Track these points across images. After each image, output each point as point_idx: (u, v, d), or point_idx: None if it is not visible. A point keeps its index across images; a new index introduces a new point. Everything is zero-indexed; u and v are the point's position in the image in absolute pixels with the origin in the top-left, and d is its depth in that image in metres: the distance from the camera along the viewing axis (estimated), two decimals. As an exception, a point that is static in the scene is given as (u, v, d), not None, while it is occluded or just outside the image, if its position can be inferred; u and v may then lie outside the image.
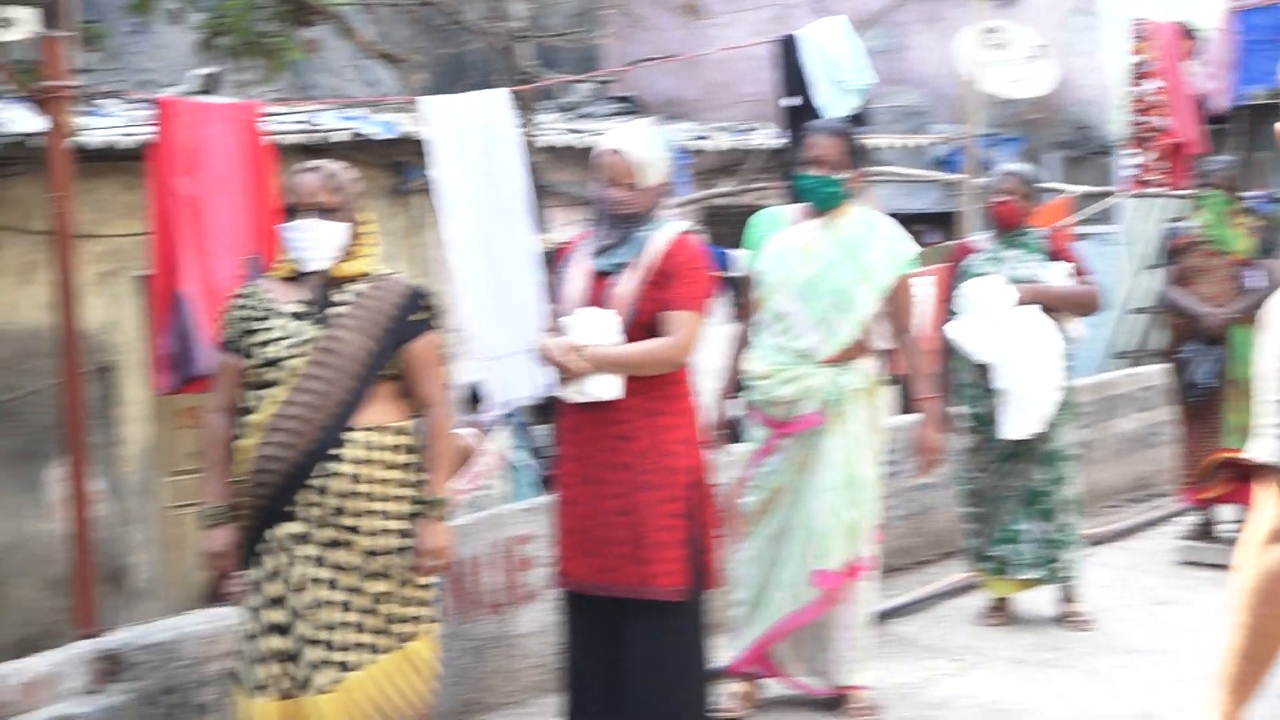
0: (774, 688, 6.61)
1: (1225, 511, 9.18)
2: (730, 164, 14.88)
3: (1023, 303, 7.55)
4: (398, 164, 12.29)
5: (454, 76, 13.73)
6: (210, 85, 11.73)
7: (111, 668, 5.57)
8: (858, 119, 9.70)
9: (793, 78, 9.91)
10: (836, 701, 6.50)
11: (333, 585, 5.02)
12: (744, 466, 6.48)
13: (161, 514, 11.38)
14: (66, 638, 6.98)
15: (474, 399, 9.89)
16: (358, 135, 11.93)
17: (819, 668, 6.52)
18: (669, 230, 5.70)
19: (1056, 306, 7.61)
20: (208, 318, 7.17)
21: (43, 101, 6.63)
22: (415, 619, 5.17)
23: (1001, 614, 7.91)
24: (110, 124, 10.80)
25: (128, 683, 5.56)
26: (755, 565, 6.44)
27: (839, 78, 9.82)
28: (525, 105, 10.17)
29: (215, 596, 6.70)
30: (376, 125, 12.18)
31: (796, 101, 9.84)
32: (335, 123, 11.99)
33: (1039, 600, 8.00)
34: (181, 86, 11.62)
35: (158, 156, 7.31)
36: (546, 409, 9.50)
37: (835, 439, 6.32)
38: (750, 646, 6.46)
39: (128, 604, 10.83)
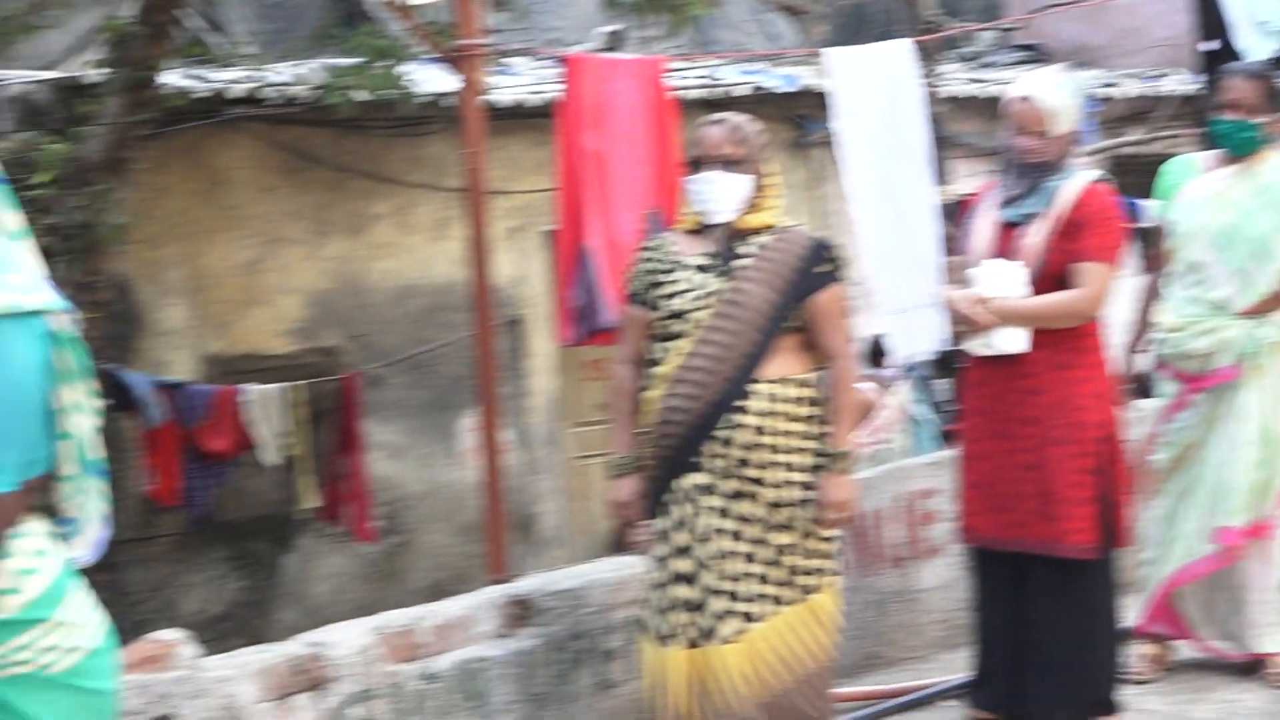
0: (1185, 650, 6.41)
1: None
2: (1139, 111, 14.46)
3: None
4: (799, 117, 12.28)
5: (855, 28, 13.63)
6: (614, 42, 11.89)
7: (522, 613, 5.70)
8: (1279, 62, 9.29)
9: (1211, 20, 9.55)
10: (1252, 667, 6.26)
11: (737, 536, 5.05)
12: (1155, 422, 6.29)
13: (567, 464, 11.62)
14: (477, 583, 7.19)
15: (876, 353, 9.83)
16: (759, 89, 11.96)
17: (1233, 631, 6.29)
18: (1080, 179, 5.55)
19: None
20: (611, 271, 7.27)
21: (456, 61, 6.81)
22: (818, 571, 5.16)
23: None
24: (518, 82, 11.04)
25: (537, 628, 5.69)
26: (1163, 523, 6.24)
27: (1261, 19, 9.42)
28: (928, 55, 10.04)
29: (619, 545, 6.81)
30: (777, 78, 12.18)
31: (1215, 45, 9.48)
32: (736, 77, 12.04)
33: None
34: (587, 44, 11.80)
35: (565, 113, 7.44)
36: (947, 362, 9.39)
37: (1251, 394, 6.07)
38: (1150, 603, 6.27)
39: (534, 551, 11.11)
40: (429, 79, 9.91)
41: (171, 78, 9.34)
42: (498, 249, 9.23)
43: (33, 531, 2.77)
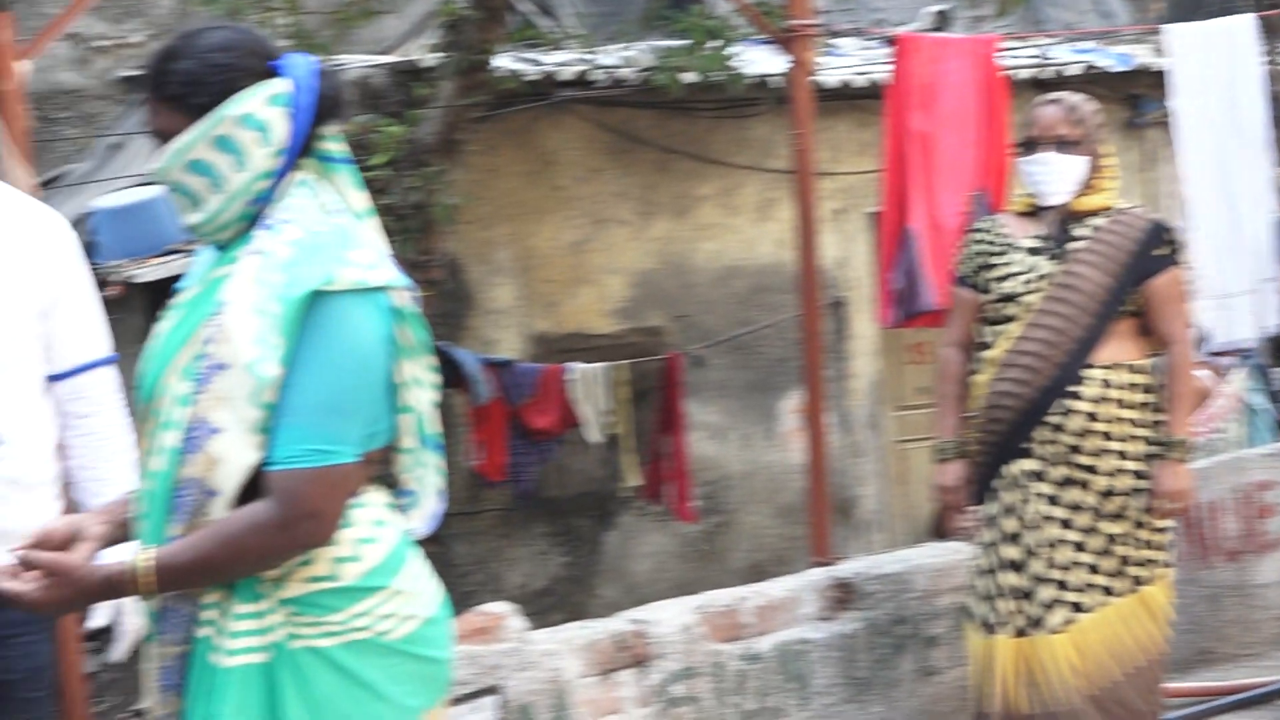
0: None
1: None
2: None
3: None
4: (1132, 97, 11.97)
5: (1192, 4, 13.23)
6: (941, 22, 11.75)
7: (844, 596, 5.68)
8: None
9: None
10: None
11: (1066, 524, 4.95)
12: None
13: (888, 447, 11.54)
14: (796, 565, 7.18)
15: (1204, 339, 9.57)
16: (1091, 68, 11.69)
17: None
18: None
19: None
20: (933, 254, 7.20)
21: (785, 41, 6.79)
22: (1151, 563, 5.03)
23: None
24: (844, 63, 10.98)
25: (859, 612, 5.66)
26: None
27: None
28: (1271, 32, 9.68)
29: (939, 531, 6.74)
30: (1110, 57, 11.89)
31: None
32: (1069, 56, 11.78)
33: None
34: (914, 24, 11.68)
35: (894, 93, 7.37)
36: (1286, 350, 9.08)
37: None
38: None
39: (854, 534, 11.05)
40: (756, 60, 9.91)
41: (503, 61, 9.50)
42: (822, 230, 9.20)
43: (373, 502, 2.83)
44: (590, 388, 9.57)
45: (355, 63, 9.55)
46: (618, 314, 10.68)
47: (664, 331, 10.71)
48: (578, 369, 9.52)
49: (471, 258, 10.19)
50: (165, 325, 2.88)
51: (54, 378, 3.66)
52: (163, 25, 11.88)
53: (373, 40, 10.53)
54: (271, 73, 2.81)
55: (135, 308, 8.67)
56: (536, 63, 10.13)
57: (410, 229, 8.54)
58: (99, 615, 3.73)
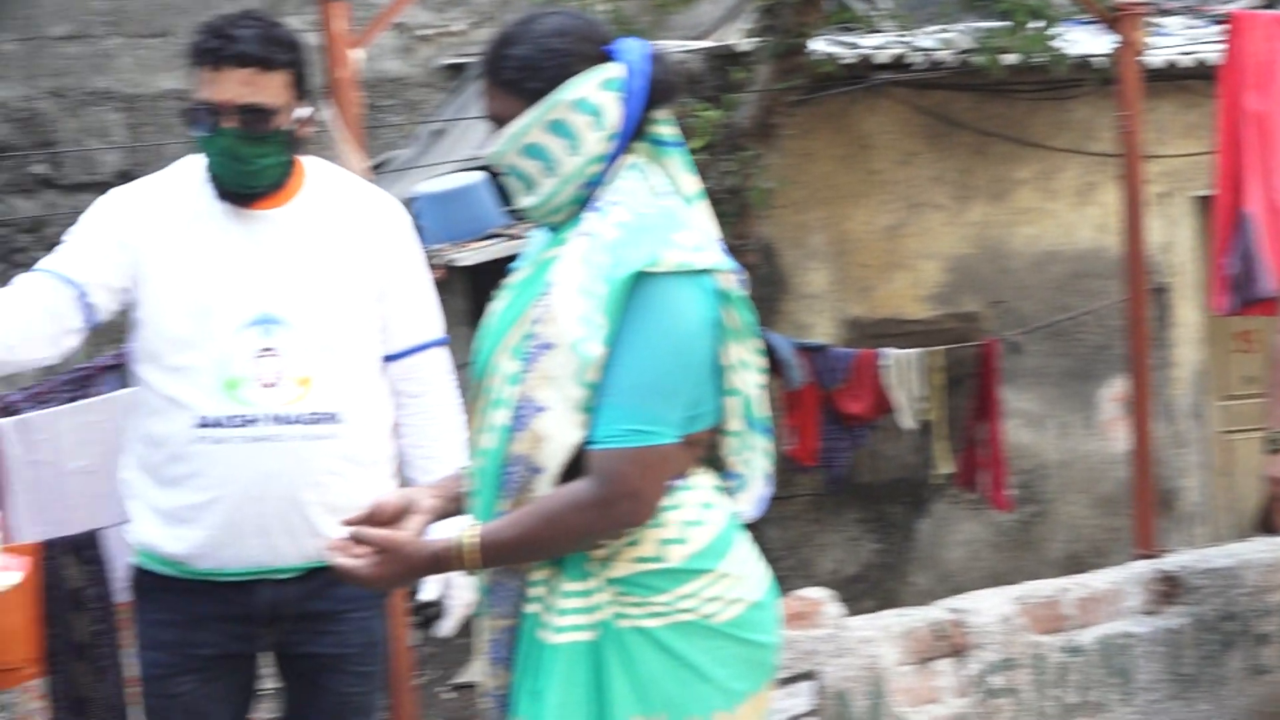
0: None
1: None
2: None
3: None
4: None
5: None
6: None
7: (1169, 590, 5.54)
8: None
9: None
10: None
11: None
12: None
13: (1213, 438, 11.23)
14: (1115, 556, 7.02)
15: None
16: None
17: None
18: None
19: None
20: (1271, 238, 6.98)
21: (1113, 21, 6.64)
22: None
23: None
24: (1170, 43, 10.70)
25: (1186, 606, 5.51)
26: None
27: None
28: None
29: (1267, 525, 6.53)
30: None
31: None
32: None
33: None
34: (1246, 1, 11.33)
35: (1227, 73, 7.16)
36: None
37: None
38: None
39: (1176, 527, 10.78)
40: (1078, 40, 9.71)
41: (820, 44, 9.47)
42: (1146, 215, 8.99)
43: (700, 485, 2.84)
44: (904, 373, 9.49)
45: (672, 48, 9.61)
46: (933, 299, 10.57)
47: (980, 317, 10.57)
48: (892, 354, 9.45)
49: (786, 242, 10.18)
50: (498, 305, 2.93)
51: (389, 358, 3.74)
52: (484, 14, 12.13)
53: (689, 25, 10.60)
54: (604, 57, 2.83)
55: (456, 290, 8.85)
56: (853, 46, 10.08)
57: (726, 213, 8.56)
58: (429, 589, 3.81)
